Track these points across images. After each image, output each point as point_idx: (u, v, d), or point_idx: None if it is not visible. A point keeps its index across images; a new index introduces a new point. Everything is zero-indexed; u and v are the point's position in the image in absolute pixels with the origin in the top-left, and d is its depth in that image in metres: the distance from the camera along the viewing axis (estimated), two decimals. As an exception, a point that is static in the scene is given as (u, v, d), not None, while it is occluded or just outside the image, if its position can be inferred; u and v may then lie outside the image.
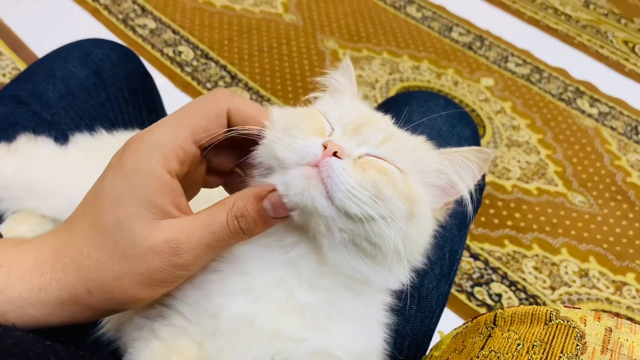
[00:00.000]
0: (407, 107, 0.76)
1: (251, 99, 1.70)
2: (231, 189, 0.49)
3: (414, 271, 0.47)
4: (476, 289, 1.34)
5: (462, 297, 1.32)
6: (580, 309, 0.44)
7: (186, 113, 0.41)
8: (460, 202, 0.48)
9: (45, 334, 0.39)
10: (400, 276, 0.46)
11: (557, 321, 0.43)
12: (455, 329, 0.54)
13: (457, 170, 0.47)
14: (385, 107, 0.78)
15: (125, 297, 0.40)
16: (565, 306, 0.44)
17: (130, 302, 0.41)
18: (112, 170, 0.40)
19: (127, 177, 0.38)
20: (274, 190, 0.41)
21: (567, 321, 0.43)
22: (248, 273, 0.44)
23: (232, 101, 0.41)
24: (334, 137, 0.44)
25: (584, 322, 0.42)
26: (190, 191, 0.46)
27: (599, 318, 0.42)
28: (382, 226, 0.40)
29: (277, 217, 0.42)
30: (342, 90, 0.54)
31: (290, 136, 0.42)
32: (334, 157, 0.40)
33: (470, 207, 0.47)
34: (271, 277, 0.44)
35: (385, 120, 0.50)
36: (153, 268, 0.39)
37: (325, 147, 0.41)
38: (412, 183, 0.45)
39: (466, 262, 1.39)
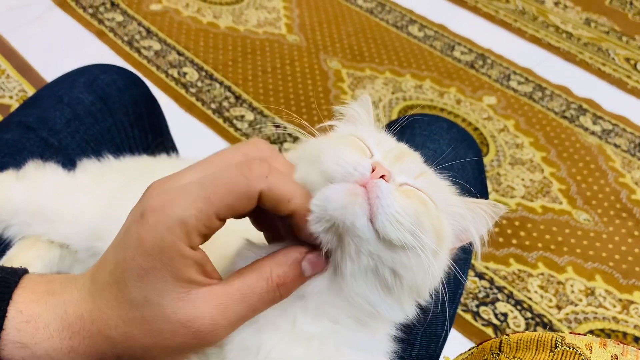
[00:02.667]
0: (409, 130, 0.76)
1: (255, 119, 1.74)
2: (256, 220, 0.45)
3: (419, 307, 0.47)
4: (482, 308, 1.33)
5: (468, 316, 1.31)
6: (585, 335, 0.44)
7: (215, 187, 0.37)
8: (463, 249, 0.50)
9: None
10: (408, 311, 0.46)
11: (562, 348, 0.43)
12: (460, 354, 0.54)
13: (474, 220, 0.48)
14: (388, 129, 0.79)
15: None
16: (570, 332, 0.44)
17: None
18: (132, 242, 0.38)
19: (148, 255, 0.37)
20: (310, 250, 0.41)
21: (573, 348, 0.43)
22: None
23: (267, 182, 0.38)
24: (379, 160, 0.44)
25: (590, 349, 0.42)
26: None
27: (604, 345, 0.42)
28: (412, 257, 0.40)
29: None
30: (361, 122, 0.54)
31: (338, 149, 0.42)
32: (382, 180, 0.40)
33: (479, 257, 0.48)
34: (277, 306, 0.44)
35: (418, 155, 0.51)
36: (185, 343, 0.38)
37: (374, 169, 0.40)
38: (443, 220, 0.45)
39: (471, 282, 1.38)
